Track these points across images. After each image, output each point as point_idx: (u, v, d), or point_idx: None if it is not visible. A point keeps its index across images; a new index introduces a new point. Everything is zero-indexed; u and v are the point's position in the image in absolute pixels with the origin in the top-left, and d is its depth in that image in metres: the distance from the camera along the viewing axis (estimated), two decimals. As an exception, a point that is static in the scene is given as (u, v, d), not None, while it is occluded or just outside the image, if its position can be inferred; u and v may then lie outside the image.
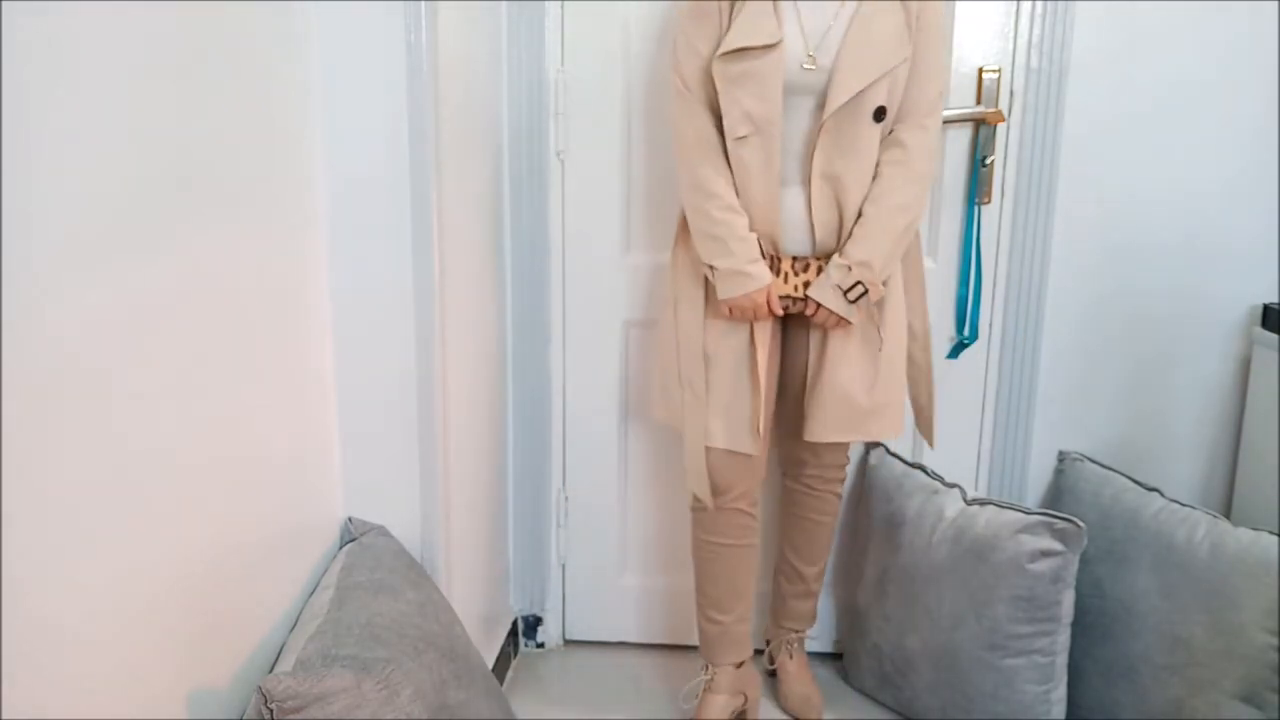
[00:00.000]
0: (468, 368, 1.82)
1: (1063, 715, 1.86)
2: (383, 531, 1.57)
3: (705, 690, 1.98)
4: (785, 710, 2.09)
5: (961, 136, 2.04)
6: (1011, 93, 2.01)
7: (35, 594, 0.88)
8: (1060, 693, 1.85)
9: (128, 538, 1.01)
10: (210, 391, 1.16)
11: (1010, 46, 2.00)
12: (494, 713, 1.44)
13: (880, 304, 1.77)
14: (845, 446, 2.01)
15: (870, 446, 2.18)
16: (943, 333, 2.12)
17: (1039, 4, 1.96)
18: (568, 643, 2.36)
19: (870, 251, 1.69)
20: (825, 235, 1.73)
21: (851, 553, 2.23)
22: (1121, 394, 2.13)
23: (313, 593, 1.42)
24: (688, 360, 1.80)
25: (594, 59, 2.05)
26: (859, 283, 1.69)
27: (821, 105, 1.67)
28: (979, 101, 2.01)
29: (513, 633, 2.28)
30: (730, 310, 1.74)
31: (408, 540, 1.60)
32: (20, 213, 0.84)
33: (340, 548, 1.54)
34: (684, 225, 1.82)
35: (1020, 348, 2.11)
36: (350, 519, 1.58)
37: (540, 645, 2.34)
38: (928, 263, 2.09)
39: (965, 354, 2.12)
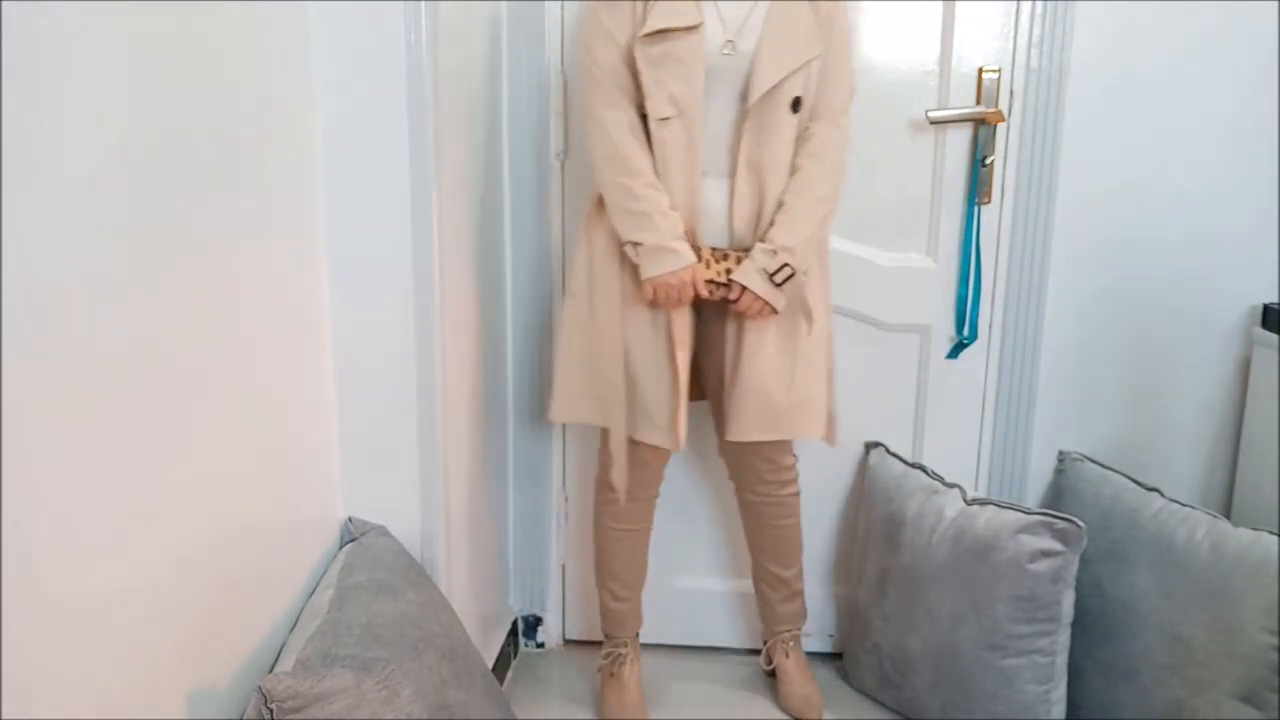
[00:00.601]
0: (468, 368, 1.82)
1: (1063, 715, 1.86)
2: (383, 531, 1.57)
3: (626, 663, 2.06)
4: (785, 710, 2.09)
5: (961, 136, 2.04)
6: (1011, 93, 2.01)
7: (35, 594, 0.88)
8: (1060, 693, 1.85)
9: (128, 538, 1.01)
10: (210, 392, 1.16)
11: (1010, 46, 1.99)
12: (494, 713, 1.44)
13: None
14: (788, 445, 1.97)
15: (870, 446, 2.18)
16: (943, 333, 2.12)
17: (1039, 4, 1.96)
18: (568, 643, 2.36)
19: (794, 238, 1.71)
20: (743, 227, 1.75)
21: (851, 553, 2.23)
22: (1121, 394, 2.13)
23: (313, 593, 1.42)
24: (608, 354, 1.79)
25: (594, 59, 2.05)
26: (785, 265, 1.71)
27: (742, 95, 1.71)
28: (979, 101, 2.01)
29: (513, 633, 2.28)
30: (655, 292, 1.71)
31: (408, 540, 1.60)
32: (20, 212, 0.84)
33: (340, 548, 1.54)
34: (596, 214, 1.80)
35: (1020, 348, 2.11)
36: (350, 519, 1.58)
37: (540, 645, 2.34)
38: (928, 262, 2.09)
39: (965, 354, 2.12)
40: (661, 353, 1.77)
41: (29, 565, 0.87)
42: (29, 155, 0.85)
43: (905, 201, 2.08)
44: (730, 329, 1.80)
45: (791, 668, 2.11)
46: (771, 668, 2.14)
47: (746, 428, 1.81)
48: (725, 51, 1.68)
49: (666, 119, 1.68)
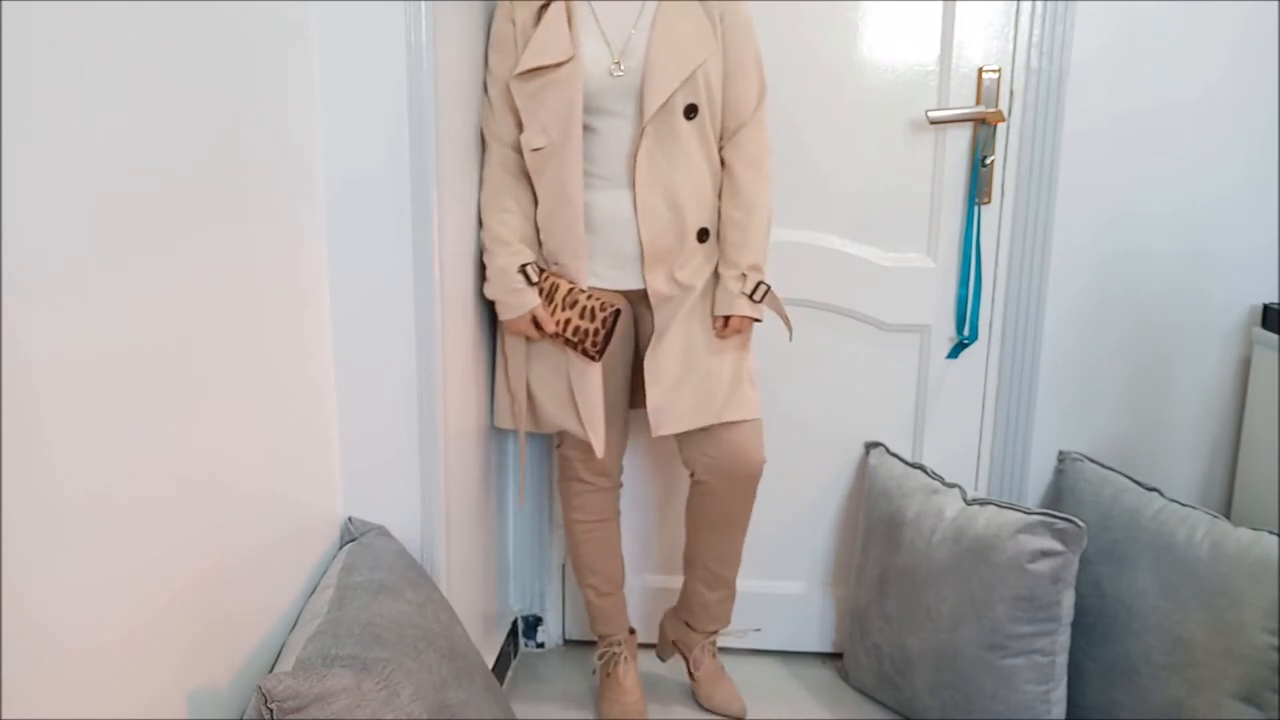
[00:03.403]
0: (468, 367, 1.82)
1: (1063, 715, 1.86)
2: (383, 531, 1.57)
3: (621, 661, 2.07)
4: (711, 710, 2.08)
5: (961, 136, 2.04)
6: (1011, 93, 2.01)
7: (36, 594, 0.88)
8: (1060, 693, 1.85)
9: (128, 538, 1.01)
10: (211, 391, 1.16)
11: (1010, 46, 2.00)
12: (494, 712, 1.44)
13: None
14: (751, 446, 1.88)
15: (870, 446, 2.18)
16: (943, 333, 2.12)
17: (1039, 4, 1.96)
18: (568, 643, 2.36)
19: (756, 254, 1.79)
20: (656, 234, 1.77)
21: (851, 553, 2.23)
22: (1122, 394, 2.13)
23: (313, 593, 1.42)
24: (553, 366, 1.86)
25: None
26: (760, 283, 1.79)
27: (641, 108, 1.73)
28: (979, 101, 2.01)
29: (513, 633, 2.28)
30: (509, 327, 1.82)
31: (408, 540, 1.60)
32: (20, 215, 0.84)
33: (340, 548, 1.54)
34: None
35: (1020, 348, 2.11)
36: (350, 519, 1.58)
37: (540, 645, 2.34)
38: (928, 262, 2.09)
39: (965, 354, 2.12)
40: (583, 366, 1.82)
41: (29, 563, 0.87)
42: (30, 156, 0.85)
43: (905, 201, 2.08)
44: (656, 326, 1.82)
45: (714, 667, 2.11)
46: (692, 671, 2.10)
47: (678, 420, 1.81)
48: (615, 74, 1.72)
49: (539, 149, 1.74)
